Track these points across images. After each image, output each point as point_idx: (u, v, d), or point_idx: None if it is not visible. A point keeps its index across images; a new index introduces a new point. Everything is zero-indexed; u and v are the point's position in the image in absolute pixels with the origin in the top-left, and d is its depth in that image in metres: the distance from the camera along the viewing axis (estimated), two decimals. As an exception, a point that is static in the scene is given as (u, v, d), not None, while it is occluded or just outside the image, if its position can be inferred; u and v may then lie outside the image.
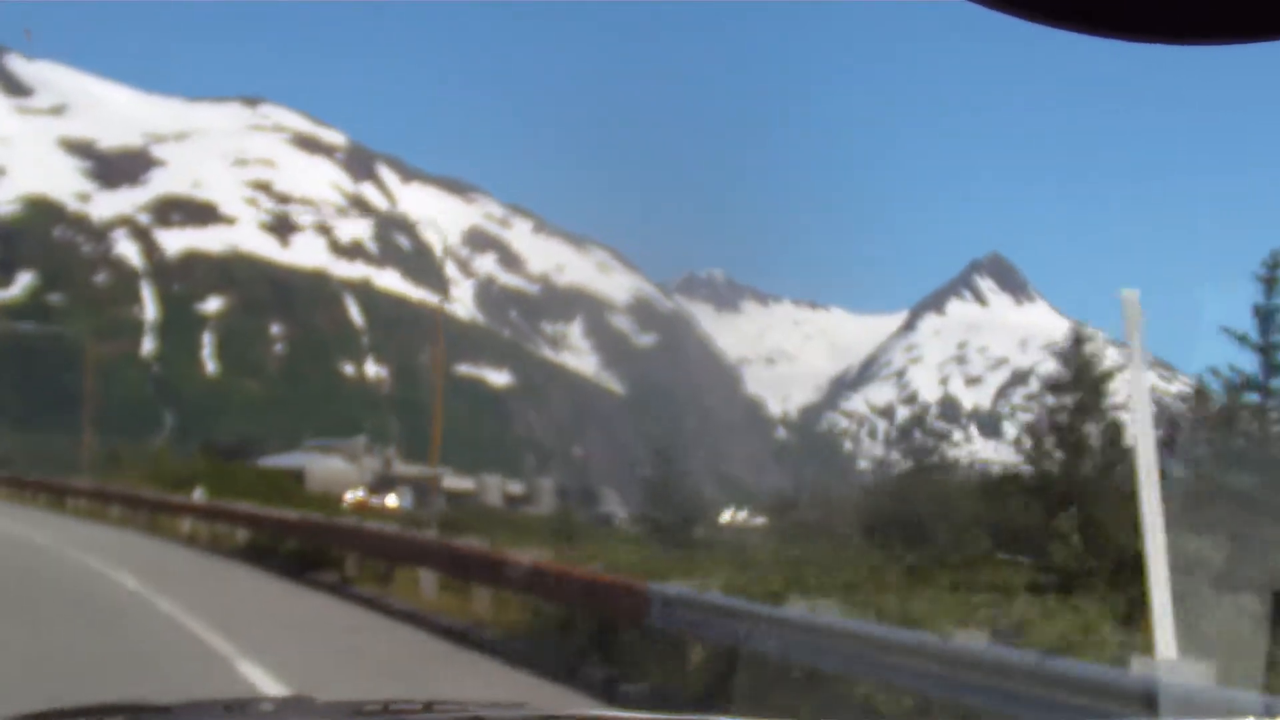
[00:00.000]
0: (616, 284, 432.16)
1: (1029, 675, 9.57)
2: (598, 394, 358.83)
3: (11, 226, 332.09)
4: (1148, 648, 9.01)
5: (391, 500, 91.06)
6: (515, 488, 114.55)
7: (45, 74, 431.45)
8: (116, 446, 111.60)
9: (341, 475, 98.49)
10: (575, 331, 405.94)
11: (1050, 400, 28.08)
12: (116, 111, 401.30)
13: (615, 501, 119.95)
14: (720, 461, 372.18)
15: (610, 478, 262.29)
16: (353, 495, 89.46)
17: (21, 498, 69.01)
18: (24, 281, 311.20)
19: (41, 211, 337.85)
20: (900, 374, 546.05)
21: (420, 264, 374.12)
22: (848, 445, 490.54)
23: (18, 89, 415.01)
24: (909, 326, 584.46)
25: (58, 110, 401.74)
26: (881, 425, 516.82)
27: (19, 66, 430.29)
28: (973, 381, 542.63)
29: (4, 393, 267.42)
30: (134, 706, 3.33)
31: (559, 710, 2.70)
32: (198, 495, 49.69)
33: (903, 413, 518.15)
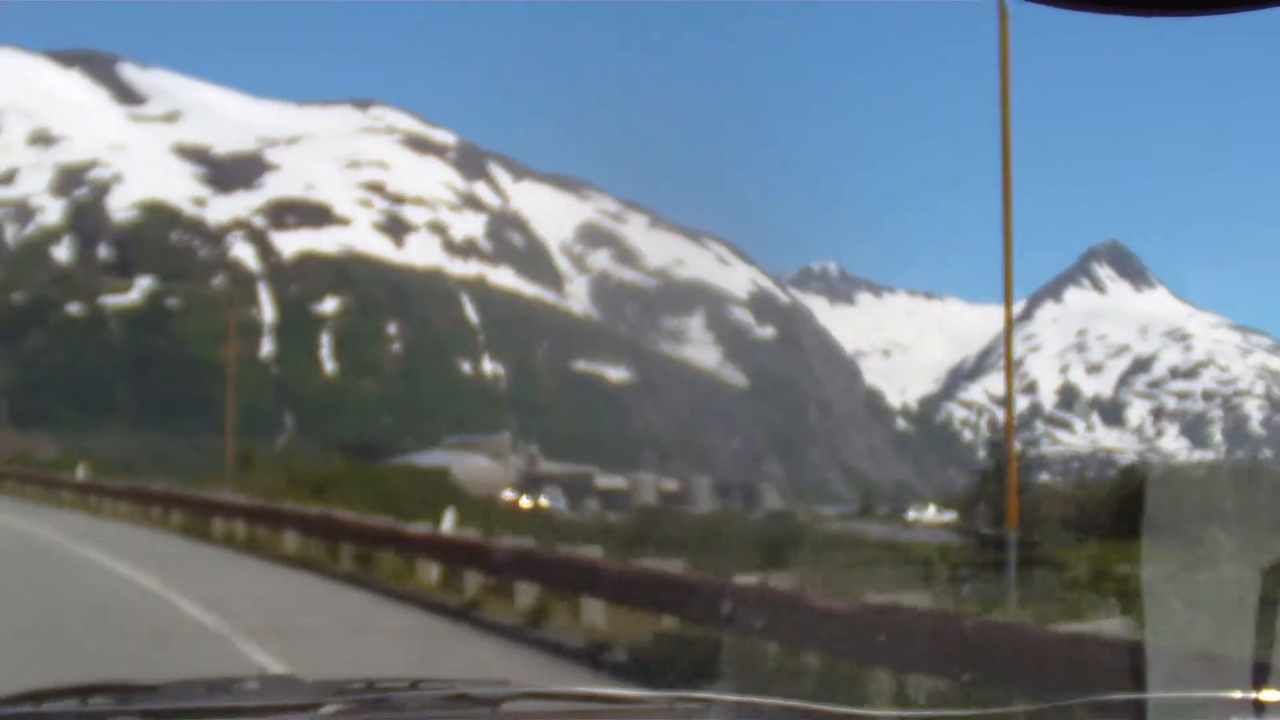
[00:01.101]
0: (735, 277, 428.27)
1: None
2: (718, 388, 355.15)
3: (129, 232, 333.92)
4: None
5: (544, 500, 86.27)
6: (669, 484, 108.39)
7: (158, 81, 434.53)
8: (249, 448, 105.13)
9: (487, 474, 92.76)
10: (695, 325, 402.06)
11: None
12: (229, 117, 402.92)
13: (774, 497, 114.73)
14: (841, 453, 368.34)
15: (735, 471, 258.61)
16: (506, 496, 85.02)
17: (147, 517, 52.96)
18: (142, 285, 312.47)
19: (158, 216, 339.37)
20: (1018, 363, 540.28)
21: (534, 261, 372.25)
22: (967, 435, 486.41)
23: (131, 97, 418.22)
24: (1026, 315, 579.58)
25: (171, 117, 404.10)
26: (1001, 415, 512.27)
27: (132, 75, 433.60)
28: (1093, 369, 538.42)
29: (122, 396, 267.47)
30: (122, 686, 3.35)
31: (545, 687, 2.88)
32: (449, 523, 35.10)
33: (1022, 402, 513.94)
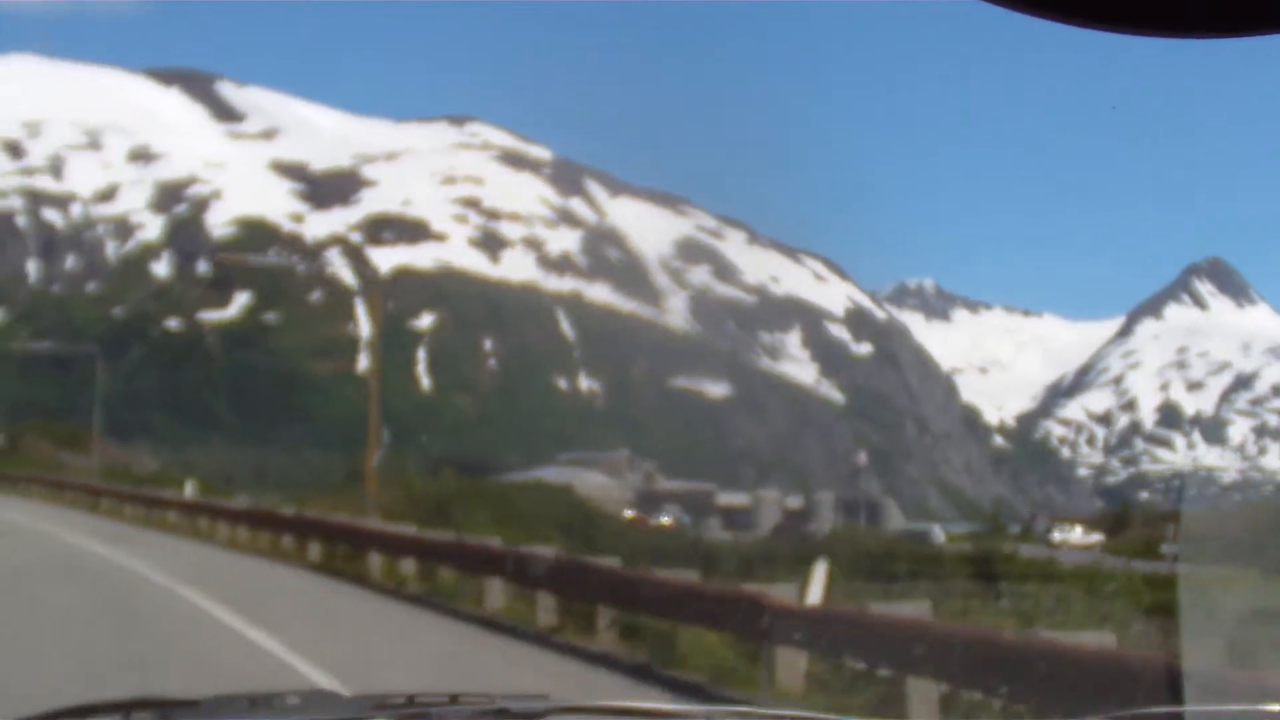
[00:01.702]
0: (832, 294, 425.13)
1: None
2: (816, 404, 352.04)
3: (228, 248, 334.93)
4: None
5: (665, 519, 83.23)
6: (792, 501, 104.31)
7: (255, 99, 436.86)
8: (357, 462, 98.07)
9: (604, 492, 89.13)
10: (792, 341, 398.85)
11: None
12: (326, 133, 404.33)
13: (897, 514, 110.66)
14: (939, 470, 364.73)
15: (830, 487, 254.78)
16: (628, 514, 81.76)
17: (276, 549, 41.26)
18: (241, 301, 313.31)
19: (256, 233, 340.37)
20: (1118, 380, 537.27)
21: (632, 276, 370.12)
22: (1066, 453, 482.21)
23: (229, 114, 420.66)
24: (1126, 332, 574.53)
25: (269, 134, 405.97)
26: (1101, 432, 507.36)
27: (230, 92, 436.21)
28: (1194, 387, 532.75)
29: (220, 410, 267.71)
30: (163, 701, 3.38)
31: (582, 701, 2.92)
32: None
33: (1122, 420, 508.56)
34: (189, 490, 64.39)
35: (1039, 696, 13.12)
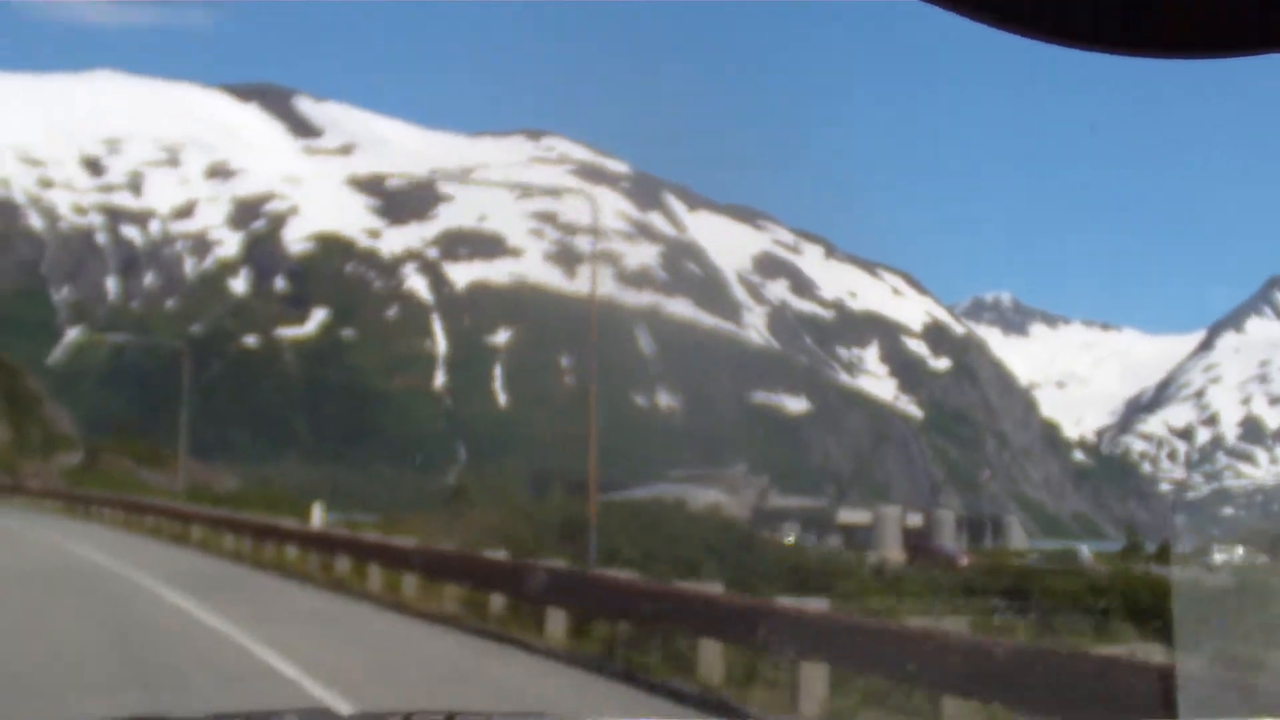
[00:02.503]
0: (909, 308, 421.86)
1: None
2: (894, 419, 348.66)
3: (304, 264, 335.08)
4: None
5: (790, 538, 80.00)
6: (913, 519, 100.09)
7: (332, 115, 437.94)
8: (465, 482, 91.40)
9: (722, 510, 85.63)
10: (870, 356, 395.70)
11: None
12: (402, 149, 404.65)
13: (1019, 532, 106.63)
14: (1019, 486, 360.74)
15: (912, 502, 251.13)
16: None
17: (473, 609, 26.94)
18: (318, 317, 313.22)
19: (333, 248, 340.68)
20: (1199, 394, 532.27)
21: (711, 291, 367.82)
22: (1146, 468, 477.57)
23: (307, 130, 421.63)
24: (1207, 345, 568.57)
25: (346, 150, 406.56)
26: (1182, 447, 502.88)
27: (307, 108, 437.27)
28: (1277, 400, 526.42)
29: (297, 426, 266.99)
30: (160, 719, 3.39)
31: (580, 717, 2.96)
32: None
33: (1203, 434, 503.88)
34: (317, 516, 49.91)
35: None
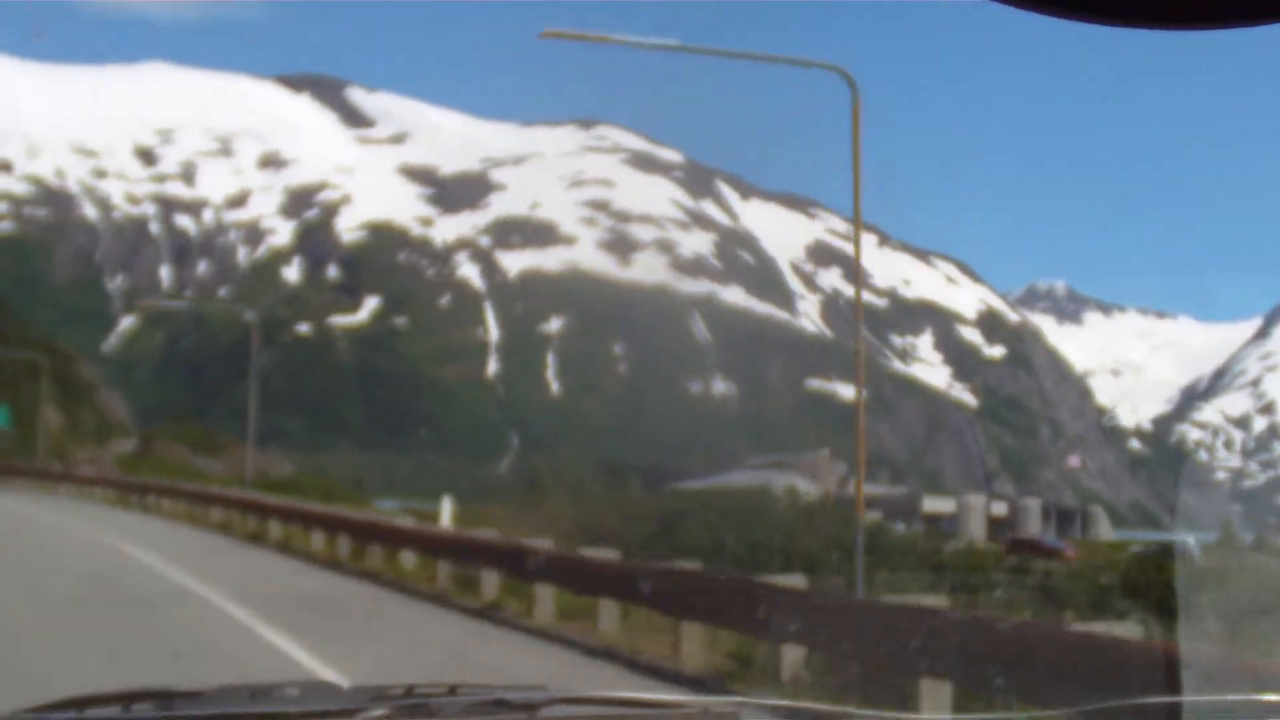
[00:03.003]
0: (963, 296, 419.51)
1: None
2: (948, 407, 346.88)
3: (357, 252, 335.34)
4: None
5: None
6: (998, 508, 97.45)
7: (384, 104, 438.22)
8: (539, 471, 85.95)
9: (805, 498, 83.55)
10: (924, 344, 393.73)
11: None
12: (454, 138, 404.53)
13: (1105, 522, 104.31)
14: (1074, 475, 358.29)
15: (965, 490, 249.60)
16: None
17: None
18: (370, 306, 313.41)
19: (385, 237, 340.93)
20: (1255, 383, 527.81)
21: (764, 279, 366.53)
22: (1203, 457, 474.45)
23: (359, 120, 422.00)
24: (1263, 334, 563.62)
25: (398, 139, 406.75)
26: (1238, 436, 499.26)
27: (359, 98, 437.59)
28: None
29: (350, 414, 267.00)
30: (164, 693, 3.38)
31: (581, 692, 2.98)
32: None
33: (1259, 423, 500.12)
34: (446, 514, 38.94)
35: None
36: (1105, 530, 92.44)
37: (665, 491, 76.69)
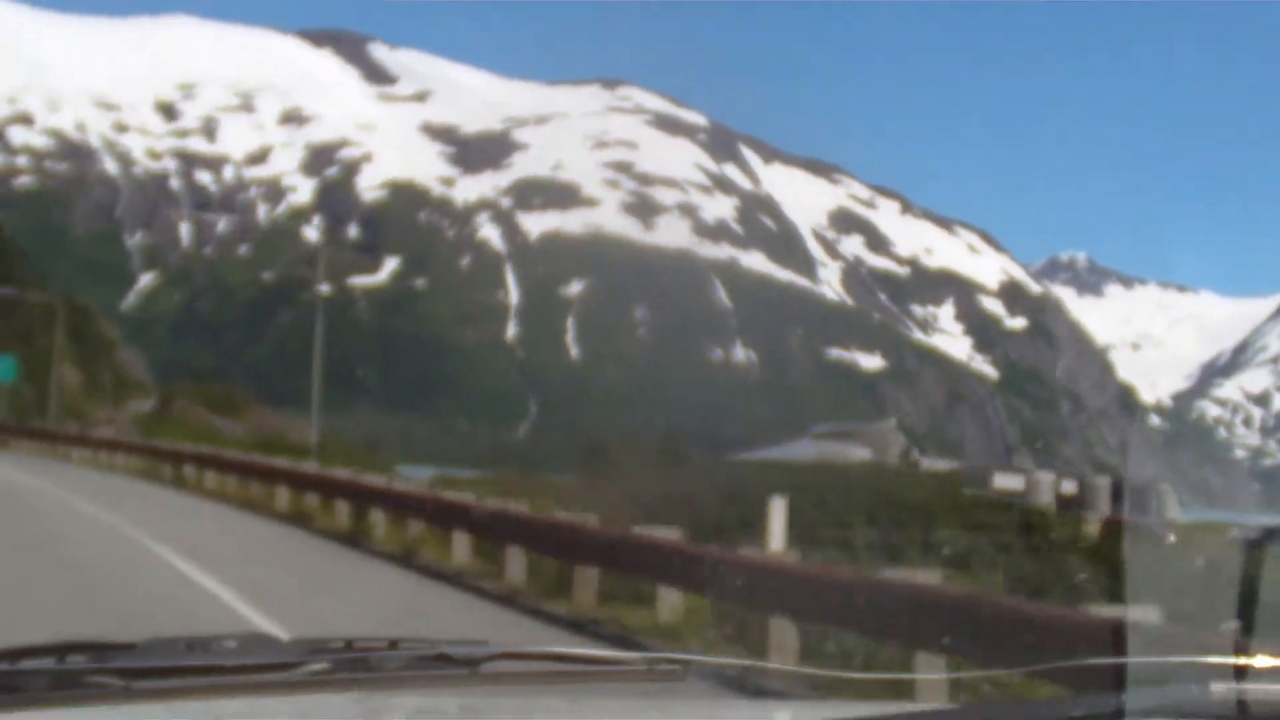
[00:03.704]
0: (985, 266, 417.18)
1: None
2: (969, 378, 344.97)
3: (377, 212, 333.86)
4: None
5: None
6: (1068, 486, 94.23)
7: (407, 61, 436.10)
8: (605, 441, 79.82)
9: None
10: (945, 314, 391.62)
11: None
12: (477, 97, 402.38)
13: (1174, 502, 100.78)
14: (1094, 450, 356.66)
15: (989, 462, 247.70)
16: None
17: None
18: (390, 266, 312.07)
19: (406, 197, 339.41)
20: (1276, 359, 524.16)
21: (786, 245, 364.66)
22: (1222, 434, 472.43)
23: (381, 77, 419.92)
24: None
25: (420, 97, 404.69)
26: (1258, 413, 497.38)
27: (382, 55, 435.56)
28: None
29: (369, 376, 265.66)
30: (98, 644, 3.29)
31: (523, 648, 2.93)
32: None
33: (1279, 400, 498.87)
34: (777, 530, 22.85)
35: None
36: (1174, 510, 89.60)
37: (725, 463, 73.89)
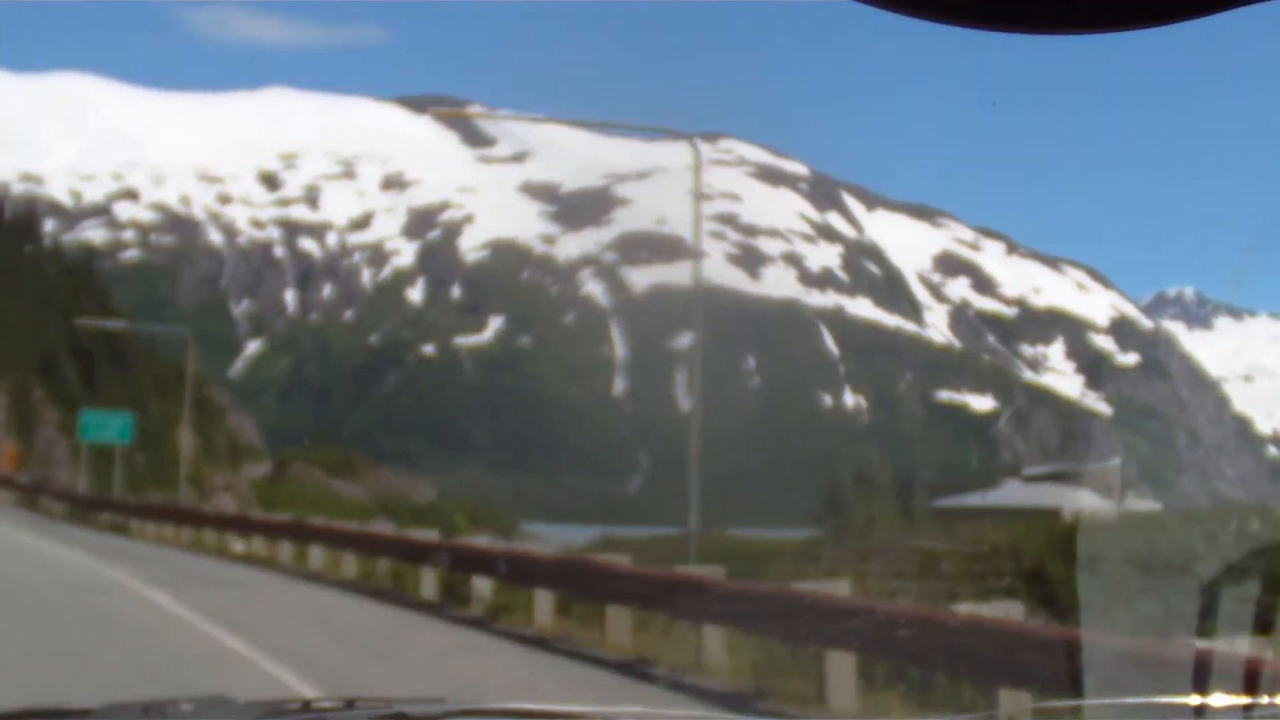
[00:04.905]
0: (1094, 303, 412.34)
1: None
2: (1081, 416, 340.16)
3: (480, 272, 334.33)
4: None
5: None
6: None
7: (505, 123, 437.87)
8: (834, 487, 74.58)
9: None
10: (1055, 353, 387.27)
11: None
12: (576, 154, 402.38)
13: None
14: (1212, 484, 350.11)
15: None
16: None
17: None
18: (495, 326, 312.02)
19: (508, 256, 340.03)
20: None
21: (892, 290, 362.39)
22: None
23: (480, 140, 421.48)
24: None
25: (519, 157, 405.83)
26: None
27: (480, 119, 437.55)
28: None
29: (477, 435, 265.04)
30: (55, 710, 3.29)
31: (483, 704, 2.91)
32: None
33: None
34: None
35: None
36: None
37: (935, 511, 69.69)
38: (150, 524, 48.01)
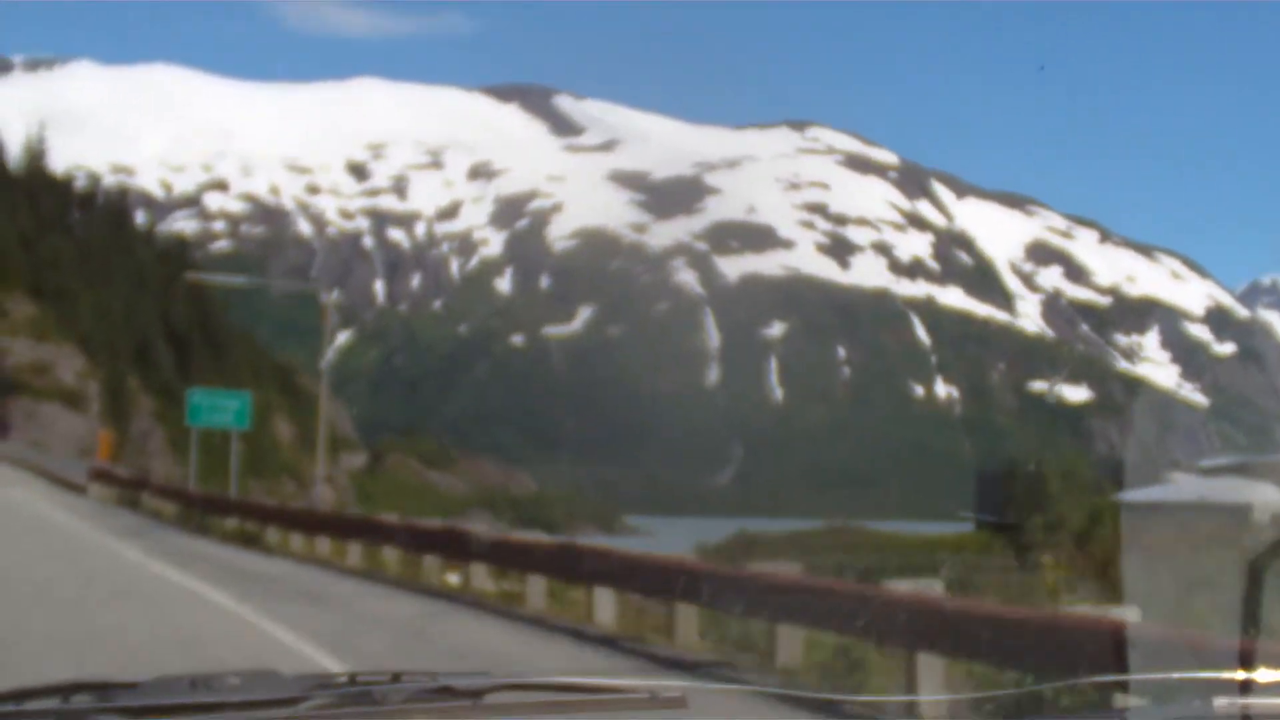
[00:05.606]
0: (1189, 292, 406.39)
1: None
2: (1178, 407, 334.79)
3: (569, 261, 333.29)
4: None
5: None
6: None
7: (593, 111, 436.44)
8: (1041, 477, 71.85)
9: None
10: (1150, 343, 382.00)
11: None
12: (665, 143, 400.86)
13: None
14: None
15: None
16: None
17: None
18: (584, 315, 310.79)
19: (597, 245, 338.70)
20: None
21: (983, 280, 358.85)
22: None
23: (568, 128, 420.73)
24: None
25: (607, 146, 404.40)
26: None
27: (568, 106, 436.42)
28: None
29: (566, 426, 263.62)
30: (103, 684, 3.28)
31: (526, 678, 2.92)
32: None
33: None
34: None
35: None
36: None
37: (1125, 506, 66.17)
38: (294, 533, 33.57)
